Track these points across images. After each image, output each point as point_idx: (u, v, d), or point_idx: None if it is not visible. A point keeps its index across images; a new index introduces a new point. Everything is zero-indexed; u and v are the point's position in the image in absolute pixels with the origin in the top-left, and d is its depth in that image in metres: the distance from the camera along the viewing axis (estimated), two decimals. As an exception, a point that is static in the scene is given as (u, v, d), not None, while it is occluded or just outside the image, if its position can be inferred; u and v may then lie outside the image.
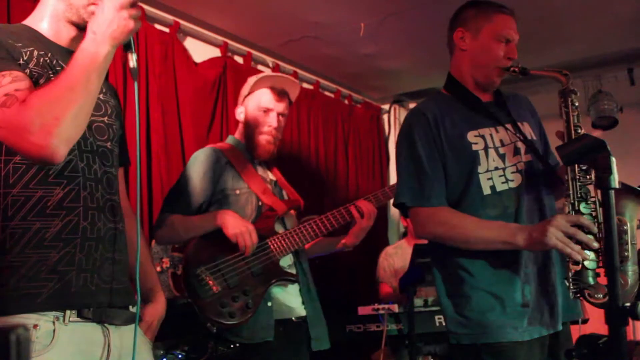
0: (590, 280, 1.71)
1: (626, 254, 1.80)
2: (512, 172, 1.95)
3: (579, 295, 1.72)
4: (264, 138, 2.57)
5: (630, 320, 1.38)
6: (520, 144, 1.99)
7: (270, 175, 2.68)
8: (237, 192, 2.49)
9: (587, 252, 1.70)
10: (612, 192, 1.44)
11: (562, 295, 1.91)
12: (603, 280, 1.70)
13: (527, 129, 2.05)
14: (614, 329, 1.37)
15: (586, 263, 1.70)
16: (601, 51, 4.29)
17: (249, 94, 2.64)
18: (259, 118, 2.58)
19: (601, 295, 1.68)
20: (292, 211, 2.64)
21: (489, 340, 1.84)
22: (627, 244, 1.81)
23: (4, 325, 1.35)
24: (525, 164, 1.97)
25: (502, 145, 1.98)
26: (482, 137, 1.97)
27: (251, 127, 2.59)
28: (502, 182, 1.94)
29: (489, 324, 1.85)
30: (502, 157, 1.96)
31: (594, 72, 4.52)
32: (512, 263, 1.88)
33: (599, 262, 1.71)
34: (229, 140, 2.68)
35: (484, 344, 1.85)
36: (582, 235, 1.70)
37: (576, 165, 1.78)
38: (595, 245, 1.70)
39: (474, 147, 1.95)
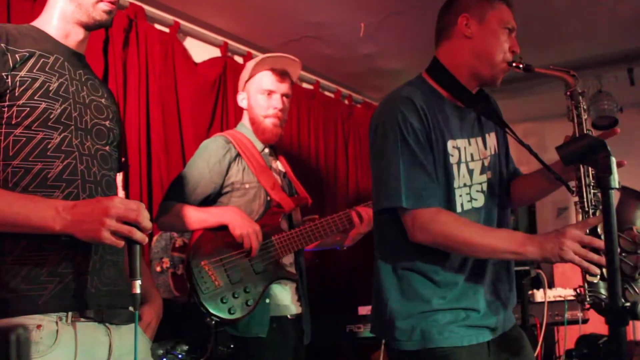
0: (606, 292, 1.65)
1: None
2: (477, 191, 1.89)
3: (592, 307, 1.67)
4: (271, 121, 2.53)
5: (630, 320, 1.37)
6: (487, 161, 1.93)
7: (280, 166, 2.66)
8: (247, 186, 2.46)
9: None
10: (612, 192, 1.43)
11: (507, 300, 1.91)
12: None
13: (493, 142, 1.98)
14: (614, 329, 1.36)
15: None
16: (601, 51, 4.29)
17: (249, 78, 2.60)
18: (262, 102, 2.54)
19: None
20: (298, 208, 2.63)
21: (430, 346, 1.77)
22: None
23: (4, 325, 1.35)
24: (487, 182, 1.91)
25: (472, 160, 1.90)
26: (458, 149, 1.87)
27: (256, 112, 2.55)
28: (468, 201, 1.86)
29: (428, 329, 1.78)
30: (470, 173, 1.88)
31: (594, 72, 4.52)
32: (458, 268, 1.82)
33: None
34: (239, 127, 2.63)
35: (424, 350, 1.77)
36: (597, 243, 1.62)
37: (590, 170, 1.73)
38: None
39: (451, 160, 1.85)
